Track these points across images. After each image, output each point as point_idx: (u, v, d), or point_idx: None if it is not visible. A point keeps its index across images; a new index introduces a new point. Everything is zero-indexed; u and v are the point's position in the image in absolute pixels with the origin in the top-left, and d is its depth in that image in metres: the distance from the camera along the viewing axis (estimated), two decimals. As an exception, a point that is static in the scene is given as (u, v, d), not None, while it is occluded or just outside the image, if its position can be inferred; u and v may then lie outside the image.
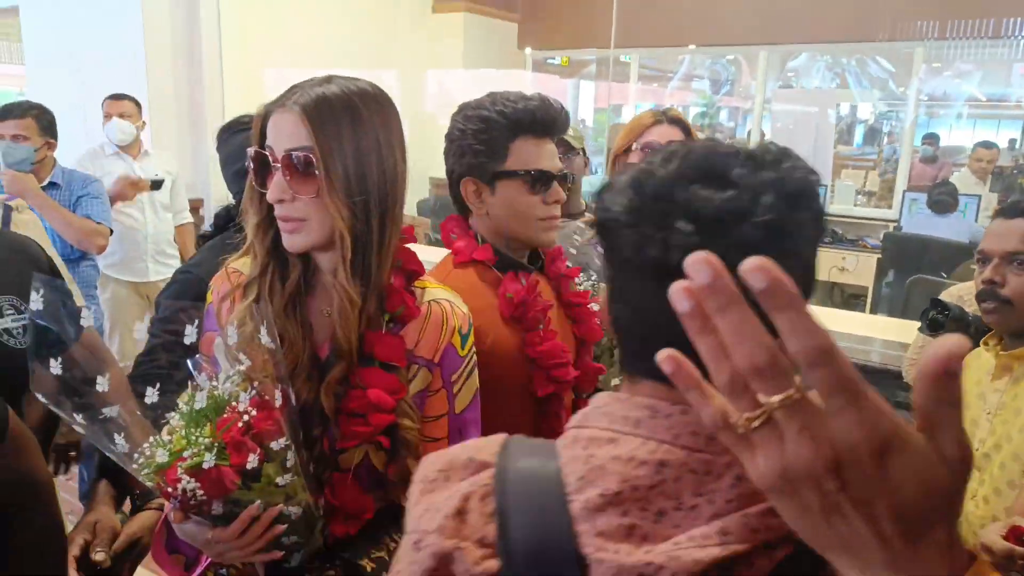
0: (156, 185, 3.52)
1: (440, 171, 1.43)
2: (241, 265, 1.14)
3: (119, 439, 0.94)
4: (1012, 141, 7.89)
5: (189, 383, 0.98)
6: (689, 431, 0.60)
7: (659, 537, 0.56)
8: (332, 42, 5.10)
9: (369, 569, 1.06)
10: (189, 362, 1.02)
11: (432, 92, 6.43)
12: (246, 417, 0.92)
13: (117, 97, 3.67)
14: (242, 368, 0.96)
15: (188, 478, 0.89)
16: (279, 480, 0.95)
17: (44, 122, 2.97)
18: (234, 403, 0.94)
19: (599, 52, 7.16)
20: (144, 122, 3.76)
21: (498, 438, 0.69)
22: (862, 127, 9.63)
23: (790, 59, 8.07)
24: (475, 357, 1.19)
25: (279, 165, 1.02)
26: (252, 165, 1.06)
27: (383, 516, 1.11)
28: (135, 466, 0.93)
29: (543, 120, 1.36)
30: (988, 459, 1.44)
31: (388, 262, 1.09)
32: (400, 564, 0.62)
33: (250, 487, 0.93)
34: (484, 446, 0.68)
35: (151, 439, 0.93)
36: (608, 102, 7.75)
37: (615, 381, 1.57)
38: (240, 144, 1.63)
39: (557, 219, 1.42)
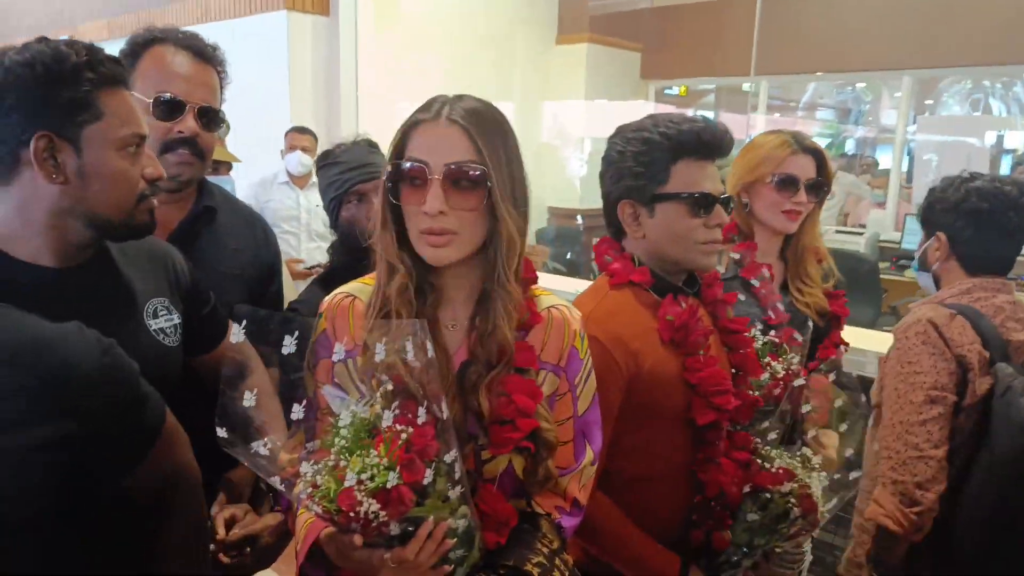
0: (310, 268, 3.68)
1: (558, 200, 1.41)
2: (354, 290, 1.14)
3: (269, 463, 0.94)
4: None
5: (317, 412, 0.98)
6: None
7: None
8: (457, 74, 5.23)
9: (536, 574, 1.04)
10: (310, 389, 1.03)
11: (549, 123, 6.48)
12: (404, 436, 0.92)
13: (300, 131, 3.94)
14: (388, 388, 0.95)
15: (370, 500, 0.88)
16: (449, 494, 0.95)
17: None
18: (389, 424, 0.93)
19: (719, 80, 7.04)
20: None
21: None
22: (1009, 158, 8.97)
23: (936, 85, 7.63)
24: (591, 360, 1.19)
25: (436, 177, 1.02)
26: (394, 178, 1.06)
27: (523, 522, 1.11)
28: (303, 497, 0.91)
29: (708, 142, 1.32)
30: None
31: (520, 272, 1.11)
32: None
33: (423, 504, 0.93)
34: None
35: (309, 466, 0.91)
36: (735, 133, 7.55)
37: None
38: (330, 178, 1.73)
39: (719, 243, 1.37)
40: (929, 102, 7.93)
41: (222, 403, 0.92)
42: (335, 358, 0.98)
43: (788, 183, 1.73)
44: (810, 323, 1.77)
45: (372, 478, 0.88)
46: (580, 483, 1.17)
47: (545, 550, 1.07)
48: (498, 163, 1.03)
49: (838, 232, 5.79)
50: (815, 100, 9.84)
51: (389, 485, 0.88)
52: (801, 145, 1.74)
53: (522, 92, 6.07)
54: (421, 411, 0.95)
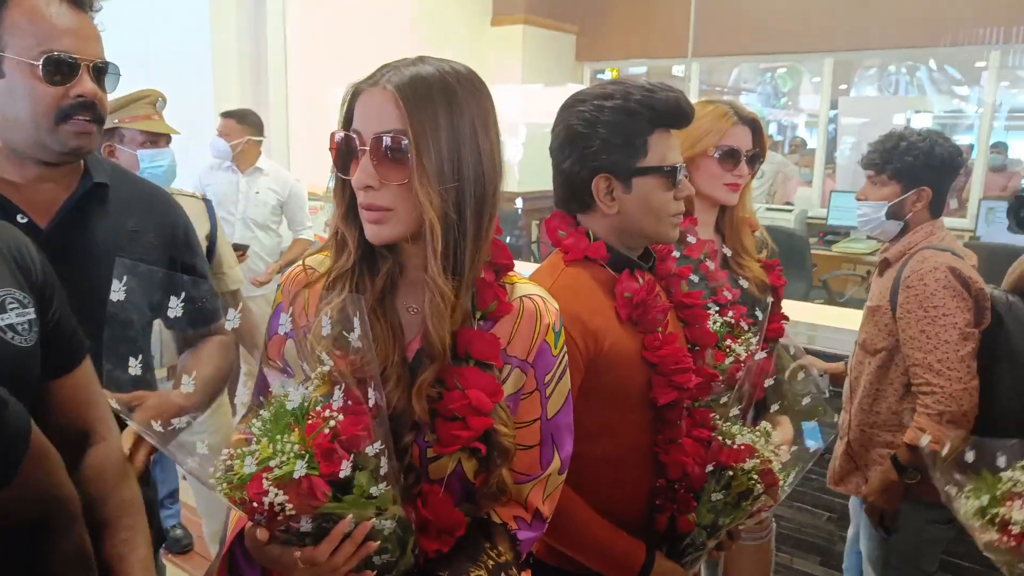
0: (235, 248, 3.53)
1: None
2: (317, 263, 1.06)
3: (200, 447, 0.86)
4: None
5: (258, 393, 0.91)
6: None
7: None
8: (389, 54, 5.05)
9: None
10: (262, 369, 0.95)
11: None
12: (332, 422, 0.84)
13: (224, 115, 3.76)
14: (325, 369, 0.88)
15: (276, 490, 0.79)
16: (372, 490, 0.87)
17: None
18: (318, 408, 0.86)
19: (651, 63, 7.07)
20: (250, 139, 3.78)
21: None
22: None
23: (851, 70, 7.89)
24: (566, 358, 1.10)
25: (366, 149, 0.94)
26: (336, 149, 0.99)
27: (473, 531, 1.02)
28: (212, 480, 0.84)
29: (686, 111, 1.27)
30: None
31: (482, 255, 1.01)
32: None
33: (340, 499, 0.84)
34: None
35: (228, 449, 0.84)
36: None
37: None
38: None
39: (683, 213, 1.33)
40: (844, 87, 8.18)
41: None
42: (282, 331, 0.91)
43: (731, 155, 1.70)
44: (758, 312, 1.73)
45: (280, 465, 0.80)
46: (545, 492, 1.08)
47: (490, 563, 0.99)
48: (425, 135, 0.92)
49: (768, 210, 5.95)
50: (738, 85, 10.05)
51: (297, 475, 0.79)
52: (740, 116, 1.72)
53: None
54: (370, 396, 0.87)
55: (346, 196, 1.00)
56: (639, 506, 1.34)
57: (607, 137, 1.25)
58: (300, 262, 1.07)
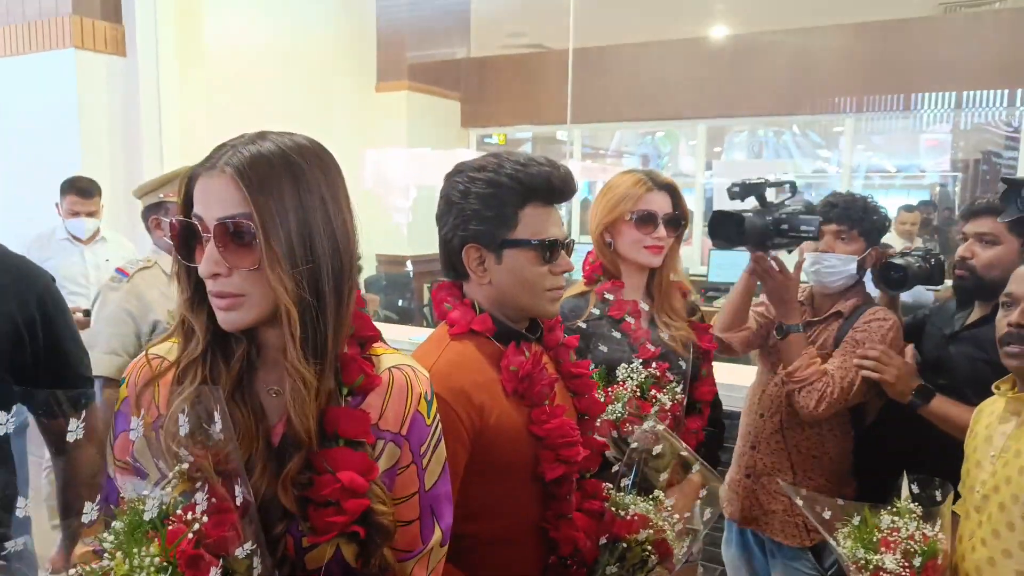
0: (86, 314, 3.34)
1: (386, 247, 1.31)
2: (164, 351, 0.99)
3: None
4: (927, 203, 8.31)
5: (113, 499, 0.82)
6: None
7: None
8: (272, 118, 4.97)
9: None
10: (109, 472, 0.88)
11: (372, 171, 6.39)
12: (196, 525, 0.77)
13: (84, 194, 3.53)
14: (184, 467, 0.80)
15: None
16: None
17: None
18: (178, 511, 0.78)
19: (536, 129, 7.30)
20: (103, 205, 3.58)
21: None
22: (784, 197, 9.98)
23: (723, 135, 8.44)
24: (440, 427, 1.07)
25: (210, 235, 0.89)
26: (177, 236, 0.93)
27: None
28: None
29: (558, 187, 1.28)
30: (987, 501, 1.40)
31: (344, 331, 0.96)
32: None
33: None
34: None
35: (75, 569, 0.75)
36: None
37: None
38: None
39: (563, 289, 1.33)
40: (717, 149, 8.72)
41: None
42: (132, 434, 0.82)
43: (647, 219, 1.76)
44: (682, 363, 1.79)
45: None
46: (428, 568, 1.04)
47: None
48: (272, 217, 0.88)
49: (653, 270, 6.14)
50: (620, 147, 10.52)
51: None
52: (656, 182, 1.79)
53: (342, 139, 5.91)
54: (237, 492, 0.81)
55: (191, 282, 0.94)
56: (532, 585, 1.30)
57: (478, 208, 1.25)
58: (144, 352, 0.99)
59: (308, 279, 0.91)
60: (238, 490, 0.81)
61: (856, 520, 1.44)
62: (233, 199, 0.88)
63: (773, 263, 1.83)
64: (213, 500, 0.79)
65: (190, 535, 0.76)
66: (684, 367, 1.78)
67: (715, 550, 2.82)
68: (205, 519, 0.77)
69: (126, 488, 0.81)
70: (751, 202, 1.88)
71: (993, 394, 1.50)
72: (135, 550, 0.74)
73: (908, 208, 6.03)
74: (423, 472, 1.03)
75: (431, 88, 6.60)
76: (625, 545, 1.32)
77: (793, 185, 1.93)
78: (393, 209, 6.32)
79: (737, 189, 1.85)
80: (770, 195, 1.88)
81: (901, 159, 9.14)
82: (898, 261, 1.98)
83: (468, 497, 1.23)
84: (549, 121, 6.76)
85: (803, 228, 1.78)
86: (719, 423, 1.96)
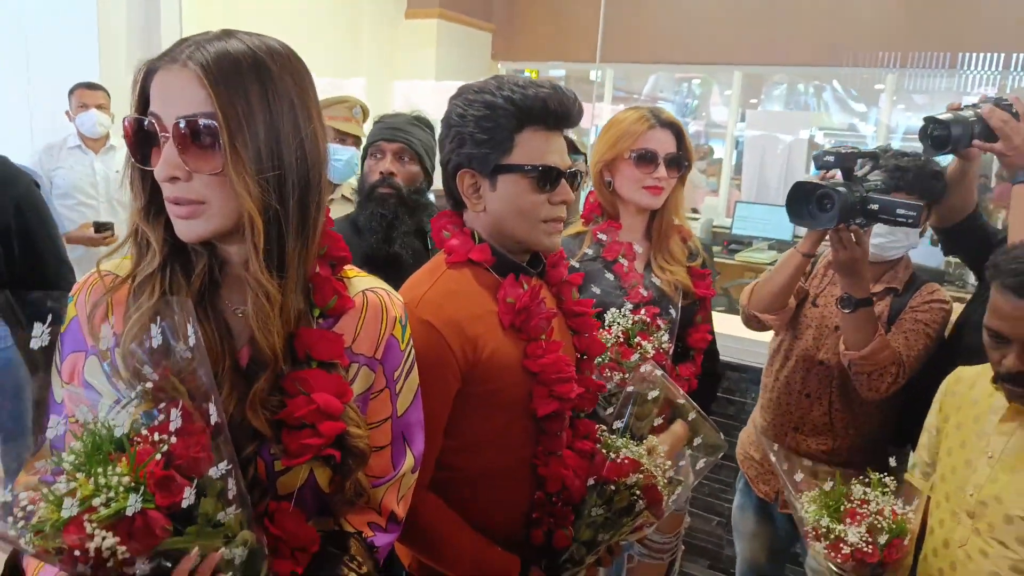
0: (99, 228, 3.31)
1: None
2: (115, 267, 0.93)
3: None
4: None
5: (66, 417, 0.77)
6: None
7: None
8: (296, 45, 4.88)
9: None
10: (59, 392, 0.84)
11: (399, 104, 6.25)
12: (164, 446, 0.73)
13: (91, 87, 3.46)
14: (148, 386, 0.76)
15: (104, 533, 0.67)
16: (219, 516, 0.77)
17: None
18: (143, 432, 0.74)
19: (569, 67, 7.10)
20: (113, 114, 3.54)
21: None
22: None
23: (760, 85, 8.17)
24: (414, 351, 1.05)
25: (168, 135, 0.83)
26: (131, 136, 0.86)
27: (326, 545, 0.95)
28: (13, 532, 0.70)
29: (556, 111, 1.20)
30: (986, 508, 1.32)
31: (314, 248, 0.92)
32: None
33: (182, 532, 0.74)
34: None
35: (26, 493, 0.71)
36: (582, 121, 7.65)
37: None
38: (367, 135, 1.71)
39: (563, 221, 1.28)
40: (754, 101, 8.45)
41: None
42: (94, 348, 0.79)
43: (647, 158, 1.69)
44: (672, 310, 1.73)
45: (108, 503, 0.68)
46: (399, 494, 1.03)
47: (354, 575, 0.92)
48: (237, 118, 0.82)
49: (675, 216, 6.04)
50: (654, 93, 10.26)
51: (131, 511, 0.68)
52: (659, 119, 1.71)
53: (370, 67, 5.78)
54: (210, 411, 0.77)
55: (145, 189, 0.89)
56: (517, 520, 1.29)
57: (472, 131, 1.20)
58: (94, 269, 0.94)
59: (275, 187, 0.85)
60: (211, 408, 0.78)
61: (827, 486, 1.40)
62: (196, 97, 0.82)
63: (852, 235, 1.64)
64: (182, 419, 0.75)
65: (158, 456, 0.72)
66: (674, 315, 1.72)
67: (713, 500, 2.83)
68: (174, 440, 0.74)
69: (80, 411, 0.76)
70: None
71: None
72: (99, 470, 0.71)
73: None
74: (395, 397, 1.01)
75: (463, 17, 6.41)
76: (613, 488, 1.29)
77: (876, 156, 1.76)
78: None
79: (831, 159, 1.64)
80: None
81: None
82: (943, 117, 1.68)
83: (459, 430, 1.22)
84: (580, 59, 6.55)
85: (900, 214, 1.54)
86: (714, 374, 1.91)
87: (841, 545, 1.32)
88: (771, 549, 2.13)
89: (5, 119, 3.01)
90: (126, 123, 0.86)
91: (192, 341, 0.78)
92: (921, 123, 1.68)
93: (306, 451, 0.87)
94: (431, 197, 2.08)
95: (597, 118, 7.42)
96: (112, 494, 0.69)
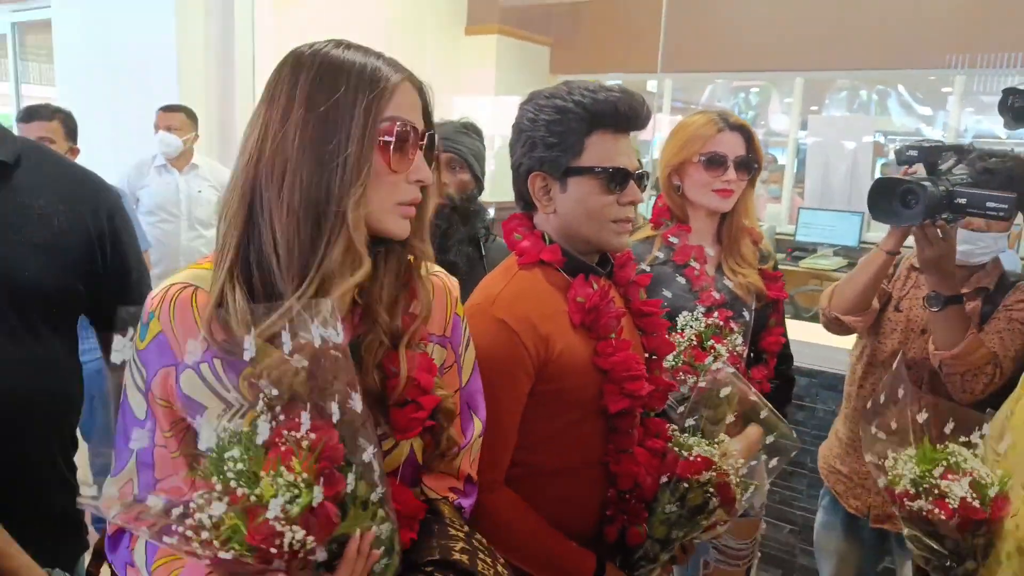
0: None
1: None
2: (192, 278, 0.91)
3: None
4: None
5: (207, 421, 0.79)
6: None
7: None
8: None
9: (466, 560, 0.93)
10: (139, 408, 0.88)
11: (459, 118, 6.34)
12: (305, 443, 0.76)
13: (169, 109, 3.65)
14: (273, 392, 0.78)
15: (295, 528, 0.72)
16: (372, 497, 0.81)
17: (69, 127, 2.89)
18: (258, 438, 0.76)
19: (626, 77, 7.10)
20: (197, 135, 3.70)
21: None
22: (880, 160, 9.51)
23: (821, 93, 8.01)
24: (468, 325, 1.12)
25: (423, 143, 0.95)
26: (397, 138, 0.92)
27: (427, 513, 1.00)
28: (217, 543, 0.71)
29: (625, 113, 1.23)
30: None
31: None
32: None
33: (344, 517, 0.78)
34: None
35: (200, 502, 0.73)
36: (641, 134, 7.63)
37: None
38: None
39: (631, 221, 1.30)
40: (815, 108, 8.29)
41: None
42: (190, 360, 0.81)
43: (716, 161, 1.69)
44: (745, 313, 1.73)
45: (293, 501, 0.72)
46: (471, 458, 1.09)
47: (461, 535, 0.97)
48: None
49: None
50: (712, 102, 10.17)
51: (316, 503, 0.73)
52: (727, 122, 1.71)
53: (433, 84, 5.89)
54: (350, 401, 0.80)
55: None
56: (590, 517, 1.30)
57: (544, 134, 1.23)
58: (167, 284, 0.92)
59: None
60: (354, 397, 0.80)
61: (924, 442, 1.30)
62: (417, 108, 0.97)
63: (938, 230, 1.58)
64: (312, 416, 0.78)
65: (301, 451, 0.75)
66: (748, 317, 1.72)
67: (784, 508, 2.78)
68: (312, 436, 0.76)
69: (200, 423, 0.77)
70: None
71: None
72: (272, 473, 0.73)
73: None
74: (461, 369, 1.08)
75: (521, 32, 6.49)
76: (687, 485, 1.30)
77: (962, 150, 1.68)
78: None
79: (914, 153, 1.60)
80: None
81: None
82: None
83: (531, 427, 1.24)
84: (640, 69, 6.54)
85: (991, 207, 1.46)
86: (788, 377, 1.88)
87: (947, 501, 1.24)
88: (860, 569, 2.05)
89: (94, 141, 3.18)
90: (401, 125, 0.91)
91: (340, 338, 0.81)
92: (992, 127, 1.62)
93: (414, 425, 0.93)
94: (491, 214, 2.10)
95: (657, 129, 7.40)
96: (296, 491, 0.73)
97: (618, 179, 1.24)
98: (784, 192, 6.72)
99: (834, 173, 6.33)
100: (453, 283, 1.08)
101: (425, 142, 0.95)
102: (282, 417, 0.77)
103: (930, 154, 1.58)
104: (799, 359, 2.71)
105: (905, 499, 1.29)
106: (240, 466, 0.74)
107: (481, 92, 6.27)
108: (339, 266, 0.87)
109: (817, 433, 2.63)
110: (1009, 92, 1.59)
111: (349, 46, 0.95)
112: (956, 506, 1.23)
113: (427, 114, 0.98)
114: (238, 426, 0.77)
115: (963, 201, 1.49)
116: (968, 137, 6.91)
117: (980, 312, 1.77)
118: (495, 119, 6.45)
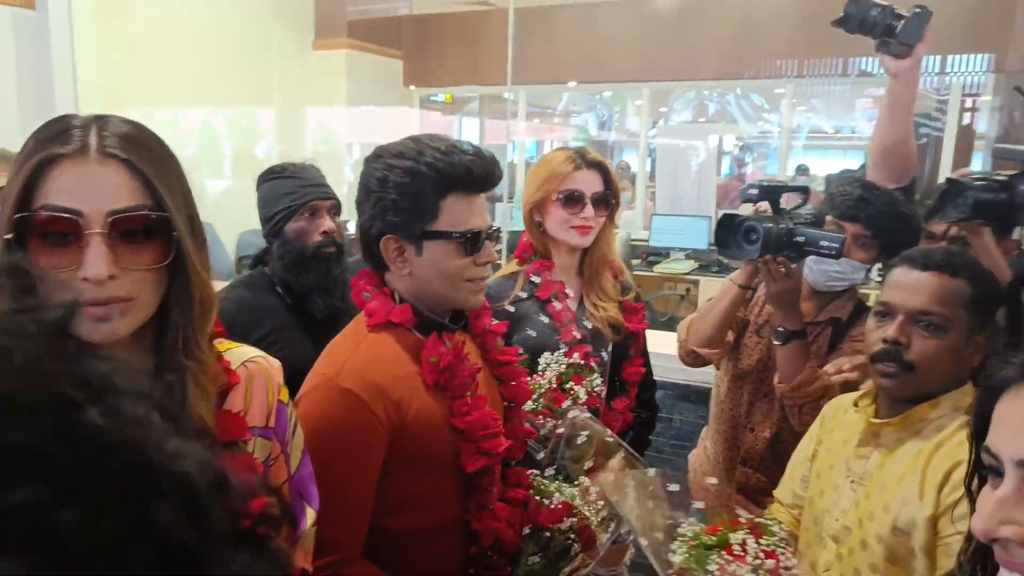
0: None
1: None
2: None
3: None
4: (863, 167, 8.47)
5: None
6: None
7: None
8: (203, 77, 4.83)
9: None
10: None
11: (312, 130, 6.19)
12: None
13: None
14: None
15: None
16: None
17: None
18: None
19: (481, 89, 7.16)
20: None
21: None
22: (727, 158, 10.18)
23: (671, 96, 8.44)
24: (294, 410, 1.06)
25: (98, 232, 0.77)
26: (20, 233, 0.77)
27: None
28: None
29: (480, 176, 1.22)
30: (849, 533, 1.29)
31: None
32: None
33: None
34: None
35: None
36: (496, 138, 7.75)
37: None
38: (285, 189, 1.84)
39: (485, 279, 1.29)
40: (663, 109, 8.73)
41: None
42: None
43: (574, 199, 1.72)
44: (603, 353, 1.76)
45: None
46: (305, 551, 1.04)
47: None
48: (178, 204, 0.82)
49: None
50: (569, 107, 10.45)
51: None
52: (585, 160, 1.74)
53: (280, 98, 5.70)
54: None
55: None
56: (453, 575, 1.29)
57: (396, 198, 1.20)
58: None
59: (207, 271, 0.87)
60: None
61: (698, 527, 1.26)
62: (128, 188, 0.79)
63: (781, 267, 1.63)
64: None
65: None
66: (606, 358, 1.75)
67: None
68: None
69: None
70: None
71: None
72: None
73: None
74: (288, 459, 1.02)
75: (371, 46, 6.39)
76: (548, 534, 1.31)
77: (806, 190, 1.79)
78: (339, 169, 6.14)
79: (755, 192, 1.68)
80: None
81: (839, 120, 9.32)
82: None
83: (389, 492, 1.21)
84: (492, 82, 6.62)
85: (824, 245, 1.55)
86: (651, 404, 1.94)
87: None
88: None
89: None
90: (41, 216, 0.78)
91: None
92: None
93: None
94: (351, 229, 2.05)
95: (512, 134, 7.51)
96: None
97: (475, 241, 1.23)
98: (637, 197, 7.00)
99: (683, 178, 6.66)
100: (273, 366, 1.01)
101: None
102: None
103: (770, 192, 1.68)
104: (656, 372, 2.83)
105: None
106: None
107: (333, 103, 6.13)
108: None
109: (676, 443, 2.73)
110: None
111: None
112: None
113: None
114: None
115: (801, 239, 1.58)
116: (801, 133, 7.49)
117: (830, 343, 1.81)
118: (351, 128, 6.33)
